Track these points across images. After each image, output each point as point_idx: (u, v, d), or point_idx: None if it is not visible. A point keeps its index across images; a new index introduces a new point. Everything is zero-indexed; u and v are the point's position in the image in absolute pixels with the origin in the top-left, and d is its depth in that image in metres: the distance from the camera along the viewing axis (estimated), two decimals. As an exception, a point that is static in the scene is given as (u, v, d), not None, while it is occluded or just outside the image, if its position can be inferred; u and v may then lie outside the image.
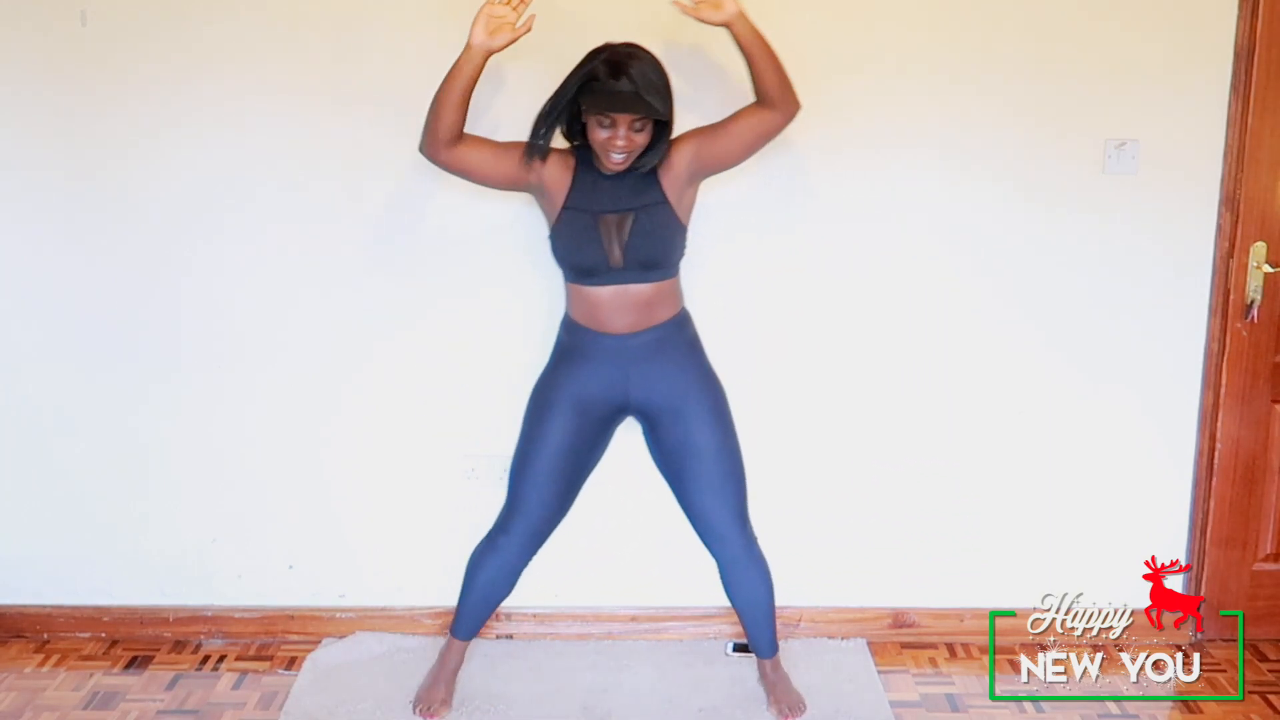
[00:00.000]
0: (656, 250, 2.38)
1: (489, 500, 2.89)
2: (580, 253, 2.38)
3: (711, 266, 2.73)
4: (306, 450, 2.90)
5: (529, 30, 2.25)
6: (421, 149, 2.36)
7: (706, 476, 2.48)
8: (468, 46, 2.23)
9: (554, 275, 2.76)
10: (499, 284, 2.79)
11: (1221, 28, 2.67)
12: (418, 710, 2.63)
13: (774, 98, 2.30)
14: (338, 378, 2.86)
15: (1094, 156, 2.72)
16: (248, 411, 2.87)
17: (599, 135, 2.28)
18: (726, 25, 2.23)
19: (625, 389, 2.47)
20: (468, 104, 2.29)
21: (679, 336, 2.48)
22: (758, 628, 2.65)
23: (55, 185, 2.73)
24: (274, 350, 2.84)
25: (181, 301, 2.81)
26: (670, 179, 2.39)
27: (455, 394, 2.85)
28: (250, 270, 2.79)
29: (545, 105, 2.34)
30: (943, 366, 2.85)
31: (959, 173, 2.72)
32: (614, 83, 2.23)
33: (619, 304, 2.40)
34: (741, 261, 2.77)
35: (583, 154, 2.40)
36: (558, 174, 2.39)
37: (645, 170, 2.37)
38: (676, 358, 2.47)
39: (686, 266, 2.61)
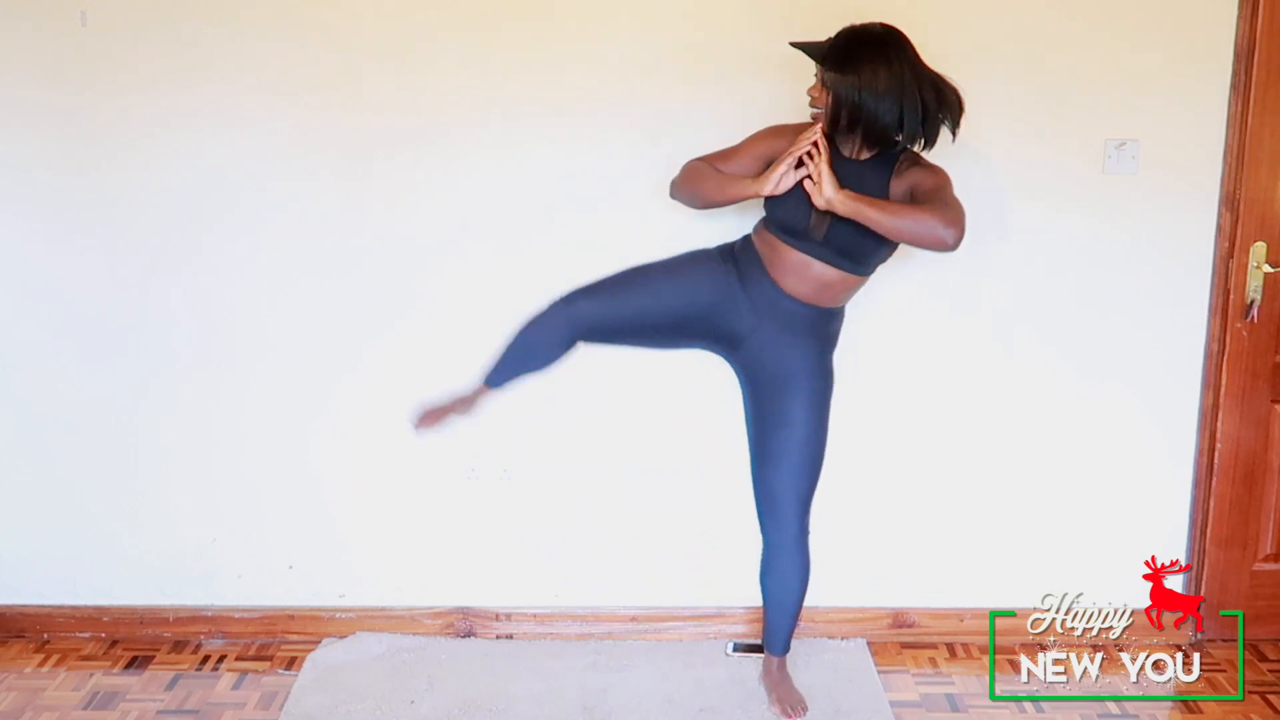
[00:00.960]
0: (857, 245, 2.36)
1: (489, 500, 2.91)
2: (789, 213, 2.36)
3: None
4: (306, 450, 2.90)
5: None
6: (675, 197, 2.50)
7: (788, 456, 2.49)
8: (755, 188, 2.34)
9: (553, 274, 2.77)
10: (498, 281, 2.78)
11: (1221, 28, 2.67)
12: (416, 421, 2.64)
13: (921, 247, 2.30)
14: (336, 377, 2.86)
15: (1094, 156, 2.72)
16: (247, 410, 2.87)
17: (810, 88, 2.34)
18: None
19: (751, 337, 2.46)
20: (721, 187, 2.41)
21: (824, 325, 2.48)
22: (779, 622, 2.66)
23: (53, 184, 2.73)
24: (273, 349, 2.84)
25: (180, 300, 2.81)
26: (900, 187, 2.36)
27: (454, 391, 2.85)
28: (248, 269, 2.79)
29: None
30: (942, 366, 2.85)
31: (958, 172, 2.71)
32: (826, 41, 2.30)
33: (801, 272, 2.39)
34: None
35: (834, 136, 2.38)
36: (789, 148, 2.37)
37: (878, 164, 2.35)
38: (809, 340, 2.46)
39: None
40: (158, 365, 2.83)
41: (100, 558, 2.96)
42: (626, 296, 2.50)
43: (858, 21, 2.32)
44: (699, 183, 2.45)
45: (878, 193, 2.33)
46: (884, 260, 2.44)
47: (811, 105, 2.33)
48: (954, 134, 2.34)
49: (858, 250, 2.37)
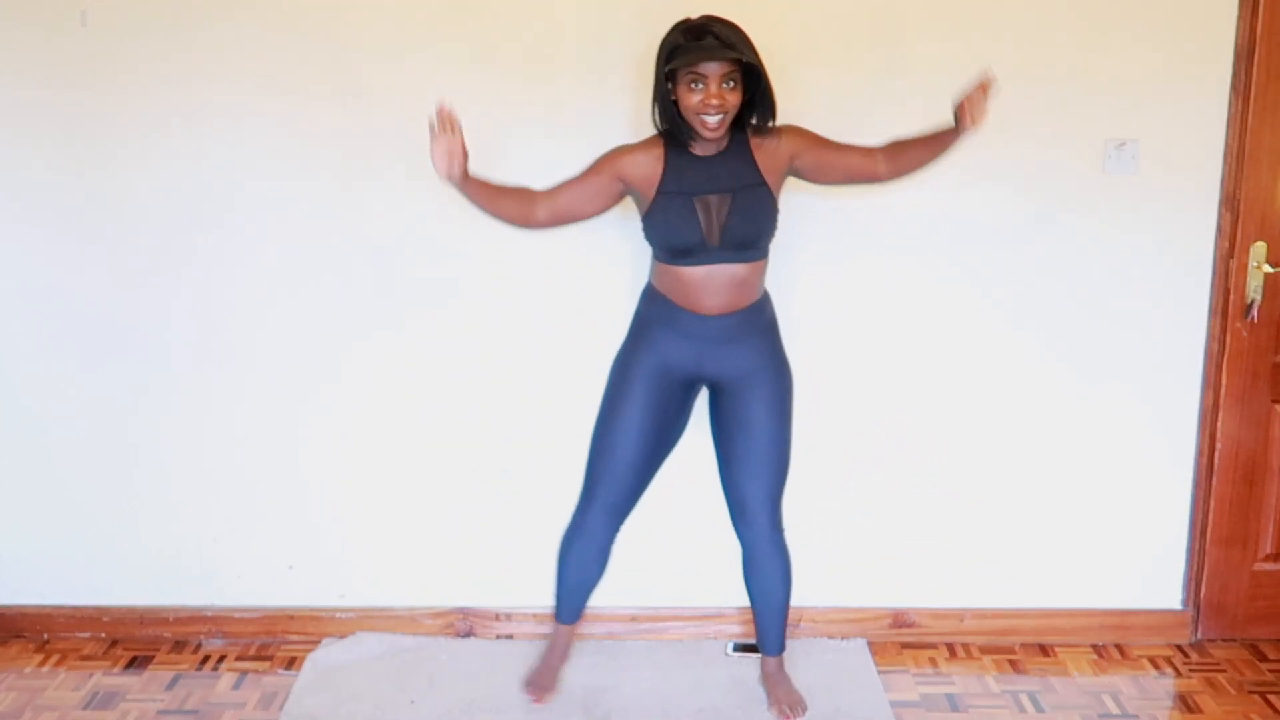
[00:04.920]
0: (754, 230, 2.38)
1: (490, 500, 2.91)
2: (677, 234, 2.37)
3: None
4: (306, 449, 2.90)
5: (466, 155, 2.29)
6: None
7: (752, 456, 2.50)
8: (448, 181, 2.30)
9: (550, 271, 2.77)
10: (494, 282, 2.78)
11: (1221, 28, 2.67)
12: (527, 692, 2.67)
13: (901, 170, 2.40)
14: (336, 376, 2.86)
15: (1094, 156, 2.72)
16: (247, 410, 2.87)
17: (692, 100, 2.28)
18: (959, 131, 2.31)
19: (701, 364, 2.48)
20: (504, 198, 2.39)
21: (760, 319, 2.50)
22: (769, 621, 2.66)
23: (52, 185, 2.73)
24: (272, 348, 2.84)
25: (180, 300, 2.80)
26: (767, 162, 2.39)
27: (457, 393, 2.86)
28: (247, 269, 2.79)
29: (654, 96, 2.36)
30: (942, 366, 2.85)
31: (959, 172, 2.72)
32: (697, 43, 2.25)
33: (712, 284, 2.40)
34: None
35: (671, 140, 2.39)
36: (647, 169, 2.39)
37: (756, 135, 2.37)
38: (754, 339, 2.48)
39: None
40: (157, 365, 2.83)
41: (100, 558, 2.96)
42: (616, 459, 2.52)
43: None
44: (494, 204, 2.39)
45: (754, 184, 2.36)
46: (773, 236, 2.45)
47: (715, 112, 2.27)
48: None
49: (753, 236, 2.39)
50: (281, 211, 2.75)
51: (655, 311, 2.49)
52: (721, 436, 2.56)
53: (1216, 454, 2.88)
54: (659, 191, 2.37)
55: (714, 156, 2.38)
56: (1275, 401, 2.88)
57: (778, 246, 2.72)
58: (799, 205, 2.72)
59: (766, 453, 2.51)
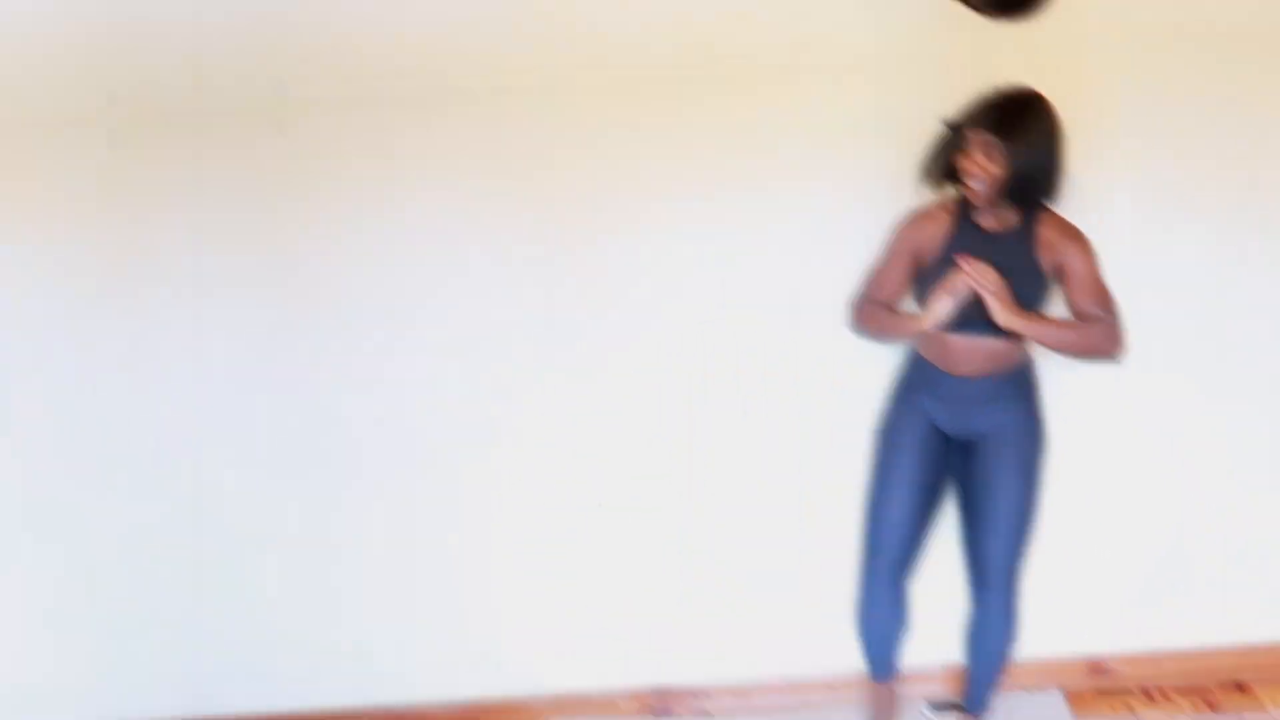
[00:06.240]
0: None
1: (680, 575, 2.89)
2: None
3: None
4: (486, 536, 2.87)
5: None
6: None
7: (996, 520, 2.51)
8: (922, 325, 2.40)
9: (734, 330, 2.73)
10: (676, 336, 2.75)
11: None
12: None
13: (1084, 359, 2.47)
14: (520, 471, 2.82)
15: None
16: (435, 505, 2.85)
17: (963, 160, 2.30)
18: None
19: (963, 423, 2.51)
20: (894, 326, 2.49)
21: (1018, 382, 2.50)
22: (982, 681, 2.67)
23: (254, 294, 2.71)
24: (459, 445, 2.81)
25: (362, 409, 2.78)
26: (1048, 253, 2.37)
27: (637, 457, 2.81)
28: (422, 354, 2.75)
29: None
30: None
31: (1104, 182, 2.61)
32: (985, 109, 2.26)
33: (972, 353, 2.43)
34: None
35: (963, 207, 2.39)
36: (933, 239, 2.41)
37: (1022, 232, 2.36)
38: (1011, 402, 2.49)
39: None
40: (348, 475, 2.82)
41: (292, 657, 2.92)
42: (891, 524, 2.56)
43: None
44: (879, 328, 2.52)
45: (1027, 268, 2.35)
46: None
47: (971, 179, 2.29)
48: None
49: None
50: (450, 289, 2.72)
51: (919, 375, 2.53)
52: (964, 494, 2.58)
53: None
54: (940, 260, 2.41)
55: (999, 233, 2.37)
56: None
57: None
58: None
59: (1012, 518, 2.51)
